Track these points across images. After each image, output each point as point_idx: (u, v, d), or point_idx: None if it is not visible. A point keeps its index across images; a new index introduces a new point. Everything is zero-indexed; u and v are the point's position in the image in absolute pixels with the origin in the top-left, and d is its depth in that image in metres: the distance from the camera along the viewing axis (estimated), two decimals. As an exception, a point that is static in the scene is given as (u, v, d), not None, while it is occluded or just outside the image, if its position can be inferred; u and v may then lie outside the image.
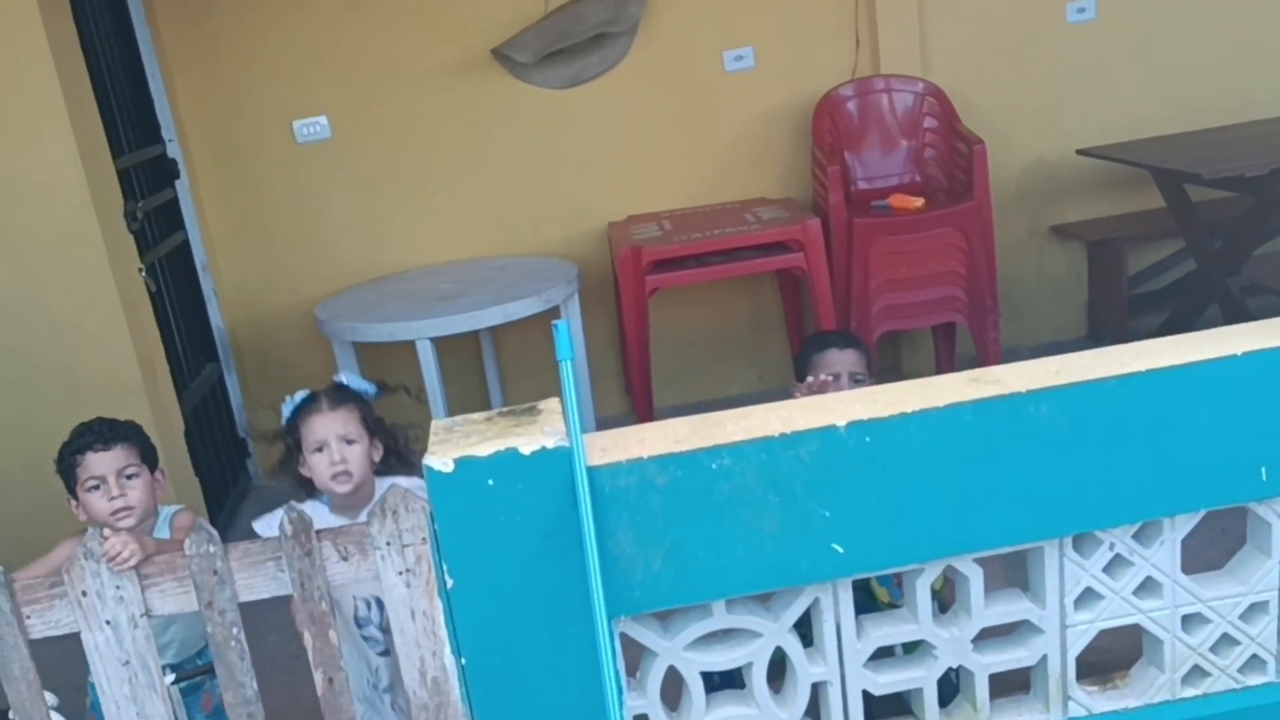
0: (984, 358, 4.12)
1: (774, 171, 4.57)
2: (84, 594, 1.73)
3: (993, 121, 4.38)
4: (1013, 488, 1.87)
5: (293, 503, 2.41)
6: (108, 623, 1.74)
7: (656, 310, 4.13)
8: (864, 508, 1.85)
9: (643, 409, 4.20)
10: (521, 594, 1.82)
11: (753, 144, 4.55)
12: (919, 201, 4.05)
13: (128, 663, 1.77)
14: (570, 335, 1.81)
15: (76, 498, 2.37)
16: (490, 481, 1.76)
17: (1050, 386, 1.84)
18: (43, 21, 3.14)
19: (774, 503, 1.83)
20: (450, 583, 1.80)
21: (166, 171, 4.30)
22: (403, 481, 2.46)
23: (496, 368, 4.67)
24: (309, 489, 2.45)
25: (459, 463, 1.75)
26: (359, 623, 2.39)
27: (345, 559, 1.79)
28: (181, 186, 4.38)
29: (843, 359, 2.60)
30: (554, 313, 4.03)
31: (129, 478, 2.35)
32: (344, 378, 2.50)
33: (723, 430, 1.84)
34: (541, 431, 1.80)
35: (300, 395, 2.45)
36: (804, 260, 3.89)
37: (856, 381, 2.56)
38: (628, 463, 1.80)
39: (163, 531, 2.43)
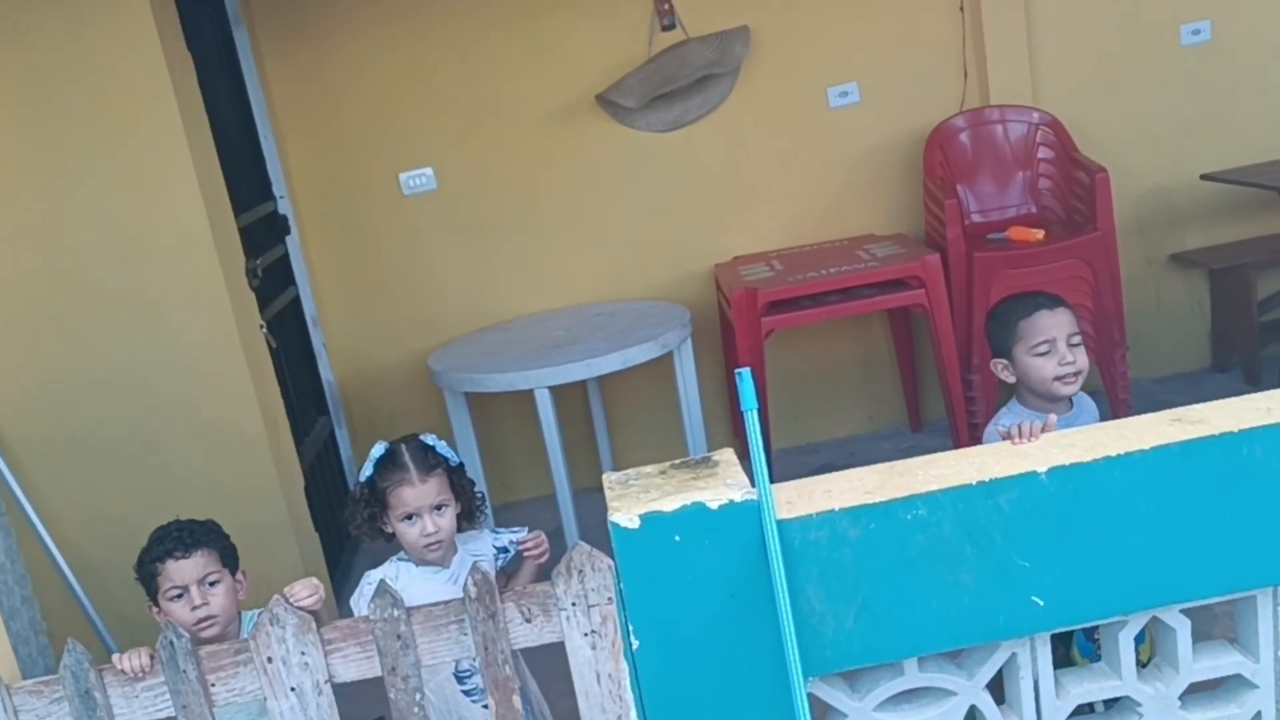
0: (1112, 393, 3.98)
1: (882, 207, 4.50)
2: (269, 660, 1.69)
3: (1107, 149, 4.26)
4: (1222, 534, 1.77)
5: (369, 573, 2.35)
6: (292, 689, 1.71)
7: (767, 351, 4.06)
8: (1065, 557, 1.76)
9: (759, 452, 4.11)
10: (709, 654, 1.75)
11: (859, 180, 4.49)
12: (1039, 233, 3.94)
13: (312, 731, 1.73)
14: (753, 384, 1.75)
15: (158, 605, 2.22)
16: (677, 538, 1.71)
17: (1262, 425, 1.74)
18: (173, 87, 3.18)
19: (970, 554, 1.75)
20: (636, 644, 1.74)
21: (278, 228, 4.35)
22: (471, 541, 2.42)
23: (603, 412, 4.63)
24: (388, 540, 2.40)
25: (645, 519, 1.69)
26: (460, 677, 2.34)
27: (528, 620, 1.74)
28: (292, 243, 4.42)
29: (1056, 321, 2.26)
30: (668, 358, 3.99)
31: (211, 584, 2.20)
32: (430, 440, 2.39)
33: (915, 479, 1.76)
34: (725, 484, 1.74)
35: (378, 451, 2.36)
36: (925, 297, 3.80)
37: (1074, 346, 2.26)
38: (818, 515, 1.73)
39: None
